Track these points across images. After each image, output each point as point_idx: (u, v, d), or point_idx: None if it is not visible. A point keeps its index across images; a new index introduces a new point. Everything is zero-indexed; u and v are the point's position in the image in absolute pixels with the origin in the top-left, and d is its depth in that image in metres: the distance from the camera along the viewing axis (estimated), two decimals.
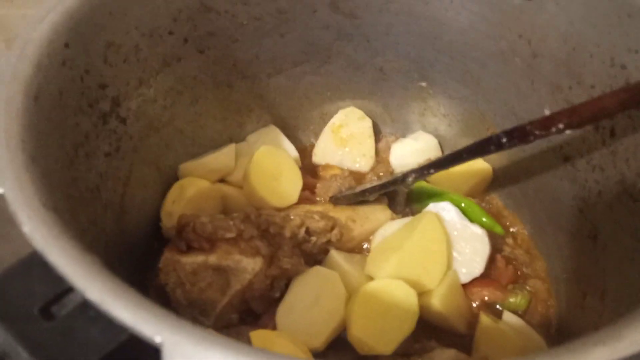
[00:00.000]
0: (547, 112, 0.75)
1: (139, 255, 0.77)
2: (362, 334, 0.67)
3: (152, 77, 0.73)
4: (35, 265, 0.35)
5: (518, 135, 0.59)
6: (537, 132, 0.57)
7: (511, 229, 0.91)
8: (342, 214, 0.84)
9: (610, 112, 0.51)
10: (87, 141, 0.61)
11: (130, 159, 0.73)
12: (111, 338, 0.31)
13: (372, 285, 0.70)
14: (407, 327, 0.68)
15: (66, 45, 0.54)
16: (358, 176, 0.97)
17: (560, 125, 0.54)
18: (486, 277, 0.81)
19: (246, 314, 0.76)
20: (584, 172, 0.72)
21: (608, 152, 0.66)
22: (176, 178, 0.86)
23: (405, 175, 0.75)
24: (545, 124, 0.56)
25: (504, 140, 0.61)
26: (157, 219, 0.82)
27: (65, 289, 0.37)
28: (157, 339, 0.31)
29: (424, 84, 0.92)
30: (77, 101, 0.57)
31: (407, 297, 0.69)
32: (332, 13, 0.82)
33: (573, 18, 0.66)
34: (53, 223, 0.37)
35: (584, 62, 0.67)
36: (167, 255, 0.72)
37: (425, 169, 0.72)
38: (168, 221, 0.81)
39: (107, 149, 0.66)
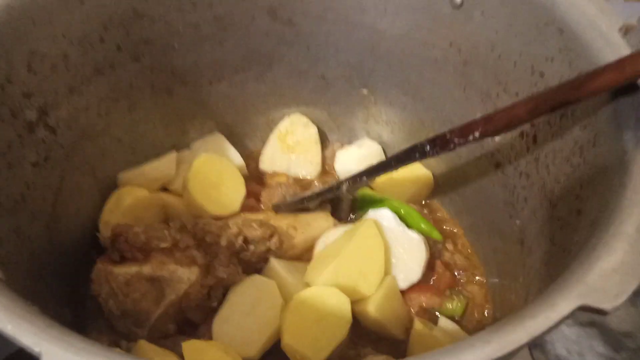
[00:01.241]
0: None
1: (75, 265, 0.76)
2: (294, 342, 0.67)
3: (84, 85, 0.72)
4: None
5: (440, 143, 0.60)
6: (456, 140, 0.58)
7: (452, 234, 0.92)
8: (283, 221, 0.84)
9: (521, 120, 0.53)
10: (10, 151, 0.60)
11: (61, 168, 0.72)
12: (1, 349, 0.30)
13: (305, 293, 0.70)
14: (339, 335, 0.68)
15: None
16: (305, 183, 0.98)
17: (477, 133, 0.56)
18: (424, 282, 0.82)
19: (184, 324, 0.76)
20: (513, 179, 0.73)
21: (532, 159, 0.67)
22: (116, 186, 0.85)
23: (339, 184, 0.75)
24: (463, 132, 0.57)
25: (427, 148, 0.62)
26: (95, 228, 0.81)
27: None
28: (36, 349, 0.31)
29: (365, 91, 0.93)
30: None
31: (340, 305, 0.70)
32: (270, 20, 0.83)
33: (498, 27, 0.68)
34: None
35: (509, 70, 0.69)
36: (100, 266, 0.71)
37: (358, 177, 0.73)
38: (106, 230, 0.80)
39: (34, 158, 0.65)
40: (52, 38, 0.64)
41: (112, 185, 0.85)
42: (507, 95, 0.70)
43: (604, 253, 0.40)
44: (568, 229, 0.55)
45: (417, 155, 0.63)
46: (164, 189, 0.90)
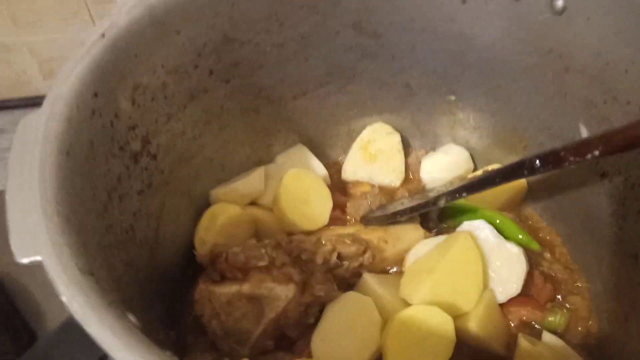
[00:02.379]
0: (582, 127, 0.73)
1: (175, 286, 0.79)
2: None
3: (180, 111, 0.74)
4: (75, 329, 0.36)
5: (552, 160, 0.57)
6: (571, 159, 0.55)
7: (549, 243, 0.89)
8: (373, 235, 0.83)
9: None
10: (120, 184, 0.62)
11: (162, 193, 0.74)
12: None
13: (406, 313, 0.69)
14: (444, 355, 0.67)
15: (95, 95, 0.55)
16: (389, 192, 0.97)
17: (596, 152, 0.52)
18: (524, 295, 0.80)
19: (281, 340, 0.77)
20: (622, 190, 0.69)
21: None
22: (207, 204, 0.87)
23: (436, 199, 0.74)
24: (580, 151, 0.54)
25: (537, 164, 0.59)
26: (190, 246, 0.84)
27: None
28: None
29: (452, 97, 0.90)
30: (108, 147, 0.59)
31: (443, 325, 0.69)
32: (355, 34, 0.81)
33: (604, 33, 0.64)
34: (90, 290, 0.38)
35: (618, 77, 0.64)
36: (202, 287, 0.73)
37: (458, 192, 0.71)
38: (202, 249, 0.82)
39: (139, 187, 0.68)
40: (153, 70, 0.66)
41: (204, 203, 0.87)
42: (617, 104, 0.66)
43: None
44: None
45: (525, 172, 0.61)
46: (253, 203, 0.91)
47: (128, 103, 0.63)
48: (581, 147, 0.54)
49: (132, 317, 0.42)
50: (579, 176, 0.77)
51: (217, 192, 0.87)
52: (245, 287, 0.73)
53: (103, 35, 0.57)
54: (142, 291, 0.66)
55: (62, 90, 0.51)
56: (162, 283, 0.75)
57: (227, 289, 0.72)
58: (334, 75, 0.88)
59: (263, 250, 0.74)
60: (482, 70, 0.82)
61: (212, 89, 0.77)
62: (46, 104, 0.50)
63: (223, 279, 0.74)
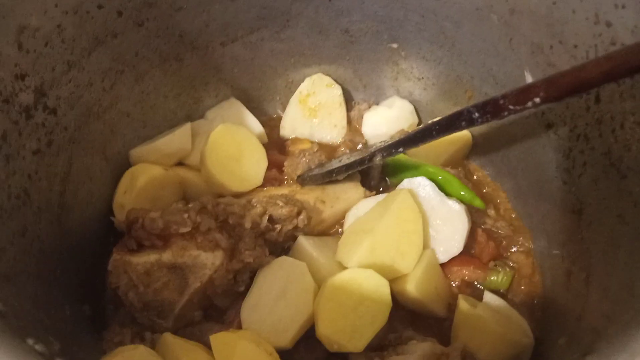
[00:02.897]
0: (527, 75, 0.68)
1: (91, 256, 0.71)
2: (330, 332, 0.62)
3: (84, 59, 0.65)
4: None
5: (491, 110, 0.52)
6: (511, 107, 0.50)
7: (494, 199, 0.85)
8: (310, 195, 0.77)
9: (591, 84, 0.44)
10: (6, 142, 0.54)
11: (67, 152, 0.66)
12: None
13: (340, 277, 0.65)
14: (379, 321, 0.63)
15: None
16: (329, 149, 0.91)
17: (537, 99, 0.47)
18: (466, 253, 0.76)
19: (211, 309, 0.72)
20: (568, 141, 0.65)
21: (593, 120, 0.59)
22: (129, 165, 0.79)
23: (372, 155, 0.68)
24: (520, 98, 0.49)
25: (476, 115, 0.54)
26: (109, 212, 0.76)
27: None
28: None
29: (394, 45, 0.84)
30: None
31: (379, 288, 0.64)
32: None
33: None
34: None
35: (565, 18, 0.59)
36: (116, 257, 0.66)
37: (394, 147, 0.66)
38: (120, 214, 0.74)
39: (35, 145, 0.59)
40: (43, 9, 0.56)
41: (125, 164, 0.79)
42: (564, 48, 0.60)
43: None
44: None
45: (464, 123, 0.55)
46: (180, 163, 0.83)
47: (12, 47, 0.54)
48: (521, 94, 0.49)
49: None
50: (525, 127, 0.73)
51: (138, 151, 0.79)
52: (166, 256, 0.66)
53: None
54: (46, 264, 0.59)
55: None
56: (76, 255, 0.68)
57: (145, 258, 0.66)
58: (266, 19, 0.80)
59: (186, 215, 0.67)
60: (425, 13, 0.76)
61: (123, 32, 0.68)
62: None
63: (141, 247, 0.67)
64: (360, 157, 0.70)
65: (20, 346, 0.32)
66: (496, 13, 0.68)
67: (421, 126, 0.64)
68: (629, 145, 0.53)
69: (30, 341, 0.36)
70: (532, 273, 0.76)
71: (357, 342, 0.62)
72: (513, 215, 0.82)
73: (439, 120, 0.59)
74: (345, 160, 0.75)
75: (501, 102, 0.51)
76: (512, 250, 0.79)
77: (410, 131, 0.68)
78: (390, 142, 0.67)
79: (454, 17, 0.73)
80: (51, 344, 0.42)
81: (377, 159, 0.68)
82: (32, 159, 0.58)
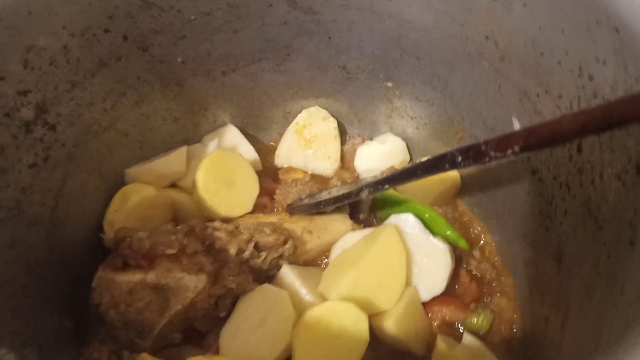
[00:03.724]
0: (515, 121, 0.70)
1: (79, 271, 0.72)
2: None
3: (87, 79, 0.67)
4: None
5: (473, 155, 0.54)
6: (492, 154, 0.51)
7: (479, 241, 0.86)
8: (298, 224, 0.79)
9: (568, 136, 0.45)
10: (3, 155, 0.55)
11: (63, 168, 0.67)
12: None
13: (319, 309, 0.65)
14: (355, 355, 0.64)
15: None
16: (322, 180, 0.92)
17: (517, 148, 0.49)
18: (448, 294, 0.77)
19: (191, 332, 0.72)
20: (551, 188, 0.66)
21: (575, 170, 0.60)
22: (124, 184, 0.81)
23: (359, 190, 0.69)
24: (501, 145, 0.50)
25: (459, 159, 0.55)
26: (100, 229, 0.77)
27: None
28: None
29: (390, 84, 0.86)
30: None
31: (357, 323, 0.65)
32: (289, 8, 0.76)
33: (541, 22, 0.60)
34: None
35: (551, 69, 0.61)
36: (101, 274, 0.66)
37: (380, 184, 0.67)
38: (110, 232, 0.75)
39: (32, 160, 0.61)
40: (52, 31, 0.59)
41: (119, 183, 0.80)
42: (549, 97, 0.62)
43: None
44: (617, 260, 0.48)
45: (447, 165, 0.57)
46: (174, 185, 0.85)
47: (18, 65, 0.56)
48: (502, 142, 0.50)
49: None
50: (511, 172, 0.75)
51: (133, 171, 0.81)
52: (150, 276, 0.67)
53: None
54: (33, 276, 0.60)
55: None
56: (64, 269, 0.69)
57: (129, 277, 0.66)
58: (267, 51, 0.82)
59: (173, 237, 0.69)
60: (420, 55, 0.78)
61: (127, 57, 0.71)
62: None
63: (126, 266, 0.68)
64: (348, 191, 0.72)
65: None
66: (487, 59, 0.70)
67: (407, 166, 0.66)
68: (606, 196, 0.54)
69: (1, 352, 0.37)
70: (512, 317, 0.77)
71: None
72: (497, 259, 0.83)
73: (425, 161, 0.61)
74: (334, 192, 0.77)
75: (483, 148, 0.52)
76: (494, 293, 0.80)
77: (397, 169, 0.69)
78: (378, 179, 0.68)
79: (447, 61, 0.75)
80: (25, 356, 0.43)
81: (364, 194, 0.69)
82: (27, 172, 0.60)
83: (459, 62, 0.74)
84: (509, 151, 0.50)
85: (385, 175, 0.67)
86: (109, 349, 0.66)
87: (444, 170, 0.58)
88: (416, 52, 0.78)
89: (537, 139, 0.48)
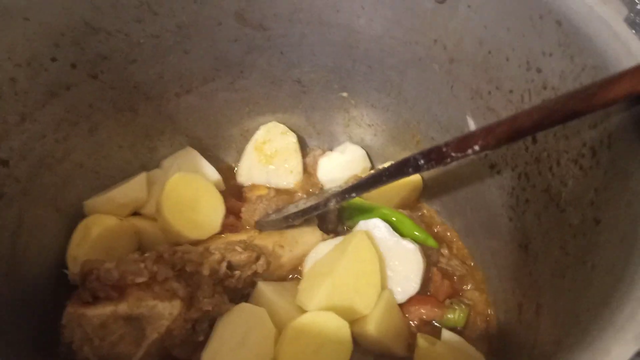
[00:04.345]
0: (469, 119, 0.73)
1: (42, 309, 0.69)
2: None
3: (37, 110, 0.64)
4: None
5: (435, 157, 0.55)
6: (453, 154, 0.53)
7: (446, 238, 0.88)
8: (268, 240, 0.78)
9: (525, 132, 0.48)
10: None
11: (18, 204, 0.64)
12: None
13: (300, 321, 0.65)
14: None
15: None
16: (287, 194, 0.92)
17: (476, 147, 0.51)
18: (423, 293, 0.78)
19: None
20: (510, 180, 0.69)
21: (532, 160, 0.63)
22: (83, 216, 0.78)
23: (326, 200, 0.70)
24: (461, 146, 0.52)
25: (422, 162, 0.57)
26: (62, 265, 0.74)
27: None
28: None
29: (344, 94, 0.88)
30: None
31: (339, 330, 0.65)
32: (238, 25, 0.76)
33: (486, 21, 0.63)
34: None
35: (500, 66, 0.64)
36: (70, 310, 0.64)
37: (347, 193, 0.68)
38: (74, 266, 0.73)
39: None
40: None
41: (78, 216, 0.77)
42: (501, 93, 0.65)
43: None
44: (584, 239, 0.50)
45: (410, 169, 0.58)
46: (136, 213, 0.83)
47: None
48: (461, 143, 0.52)
49: None
50: (471, 168, 0.77)
51: (92, 202, 0.78)
52: (122, 307, 0.65)
53: None
54: None
55: None
56: (24, 307, 0.65)
57: (100, 311, 0.64)
58: (220, 70, 0.82)
59: (142, 265, 0.67)
60: (371, 63, 0.80)
61: (77, 84, 0.69)
62: None
63: (96, 299, 0.65)
64: (316, 202, 0.72)
65: None
66: (437, 62, 0.72)
67: (372, 172, 0.67)
68: (565, 181, 0.57)
69: None
70: (486, 309, 0.79)
71: None
72: (465, 253, 0.85)
73: (388, 167, 0.62)
74: (302, 205, 0.77)
75: (444, 149, 0.54)
76: (467, 287, 0.82)
77: (362, 177, 0.70)
78: (343, 188, 0.69)
79: (399, 67, 0.77)
80: None
81: (332, 204, 0.69)
82: None
83: (410, 67, 0.76)
84: (469, 151, 0.52)
85: (350, 184, 0.68)
86: None
87: (408, 174, 0.60)
88: (368, 61, 0.80)
89: (495, 138, 0.50)
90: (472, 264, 0.84)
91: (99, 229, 0.74)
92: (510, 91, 0.64)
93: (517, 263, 0.69)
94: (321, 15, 0.75)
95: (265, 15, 0.76)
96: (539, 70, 0.59)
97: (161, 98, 0.81)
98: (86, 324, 0.63)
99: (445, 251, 0.84)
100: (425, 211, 0.92)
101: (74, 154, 0.73)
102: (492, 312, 0.78)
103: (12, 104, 0.60)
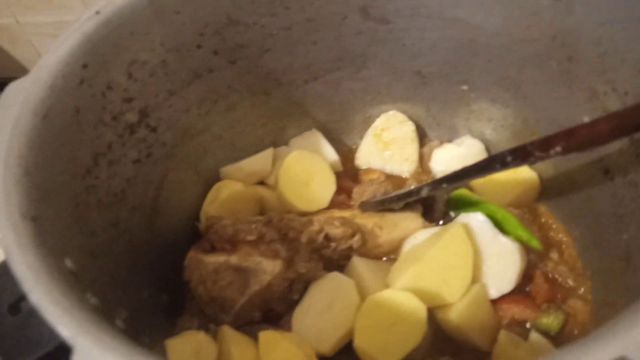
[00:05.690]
0: (585, 120, 0.69)
1: (176, 253, 0.83)
2: (365, 344, 0.67)
3: (184, 89, 0.78)
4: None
5: (520, 155, 0.56)
6: (537, 154, 0.53)
7: (559, 243, 0.84)
8: (369, 220, 0.83)
9: (604, 138, 0.46)
10: (111, 150, 0.67)
11: (163, 165, 0.79)
12: (55, 336, 0.35)
13: (380, 295, 0.70)
14: (412, 341, 0.67)
15: (84, 66, 0.60)
16: (399, 181, 0.96)
17: (558, 148, 0.50)
18: (519, 292, 0.77)
19: (270, 313, 0.80)
20: (622, 188, 0.65)
21: None
22: (219, 180, 0.91)
23: (419, 188, 0.73)
24: (543, 146, 0.52)
25: (509, 159, 0.58)
26: (198, 219, 0.88)
27: None
28: (71, 341, 0.35)
29: (465, 87, 0.88)
30: (97, 116, 0.63)
31: (415, 311, 0.68)
32: (363, 19, 0.82)
33: (602, 20, 0.60)
34: (24, 232, 0.42)
35: (616, 67, 0.61)
36: (192, 254, 0.77)
37: (438, 183, 0.70)
38: (205, 221, 0.86)
39: (135, 156, 0.72)
40: (151, 47, 0.70)
41: (215, 179, 0.91)
42: (616, 95, 0.62)
43: None
44: None
45: (498, 166, 0.59)
46: (262, 183, 0.94)
47: (123, 77, 0.68)
48: (544, 143, 0.52)
49: (69, 264, 0.46)
50: (586, 172, 0.73)
51: (226, 169, 0.91)
52: (233, 259, 0.76)
53: (97, 12, 0.62)
54: (132, 253, 0.71)
55: (48, 60, 0.56)
56: (162, 250, 0.80)
57: (215, 259, 0.76)
58: (344, 60, 0.89)
59: (253, 225, 0.77)
60: (490, 58, 0.79)
61: (218, 69, 0.81)
62: (33, 71, 0.55)
63: (213, 249, 0.77)
64: (408, 190, 0.75)
65: (79, 300, 0.42)
66: (555, 59, 0.70)
67: (462, 167, 0.68)
68: None
69: (88, 295, 0.46)
70: (588, 321, 0.75)
71: (389, 358, 0.66)
72: (576, 261, 0.81)
73: (478, 162, 0.63)
74: (402, 191, 0.81)
75: (529, 148, 0.54)
76: (571, 295, 0.78)
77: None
78: (436, 179, 0.71)
79: (517, 62, 0.76)
80: (116, 308, 0.53)
81: (424, 192, 0.72)
82: (131, 166, 0.72)
83: (528, 63, 0.75)
84: (552, 152, 0.51)
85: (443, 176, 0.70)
86: (198, 321, 0.76)
87: (496, 170, 0.60)
88: (487, 56, 0.79)
89: (576, 141, 0.49)
90: (581, 272, 0.79)
91: (227, 191, 0.87)
92: (626, 93, 0.61)
93: (619, 276, 0.65)
94: (442, 10, 0.77)
95: (389, 10, 0.80)
96: None
97: (291, 84, 0.90)
98: (203, 268, 0.76)
99: (554, 255, 0.81)
100: (541, 213, 0.88)
101: (213, 128, 0.86)
102: (593, 326, 0.74)
103: (163, 83, 0.74)
